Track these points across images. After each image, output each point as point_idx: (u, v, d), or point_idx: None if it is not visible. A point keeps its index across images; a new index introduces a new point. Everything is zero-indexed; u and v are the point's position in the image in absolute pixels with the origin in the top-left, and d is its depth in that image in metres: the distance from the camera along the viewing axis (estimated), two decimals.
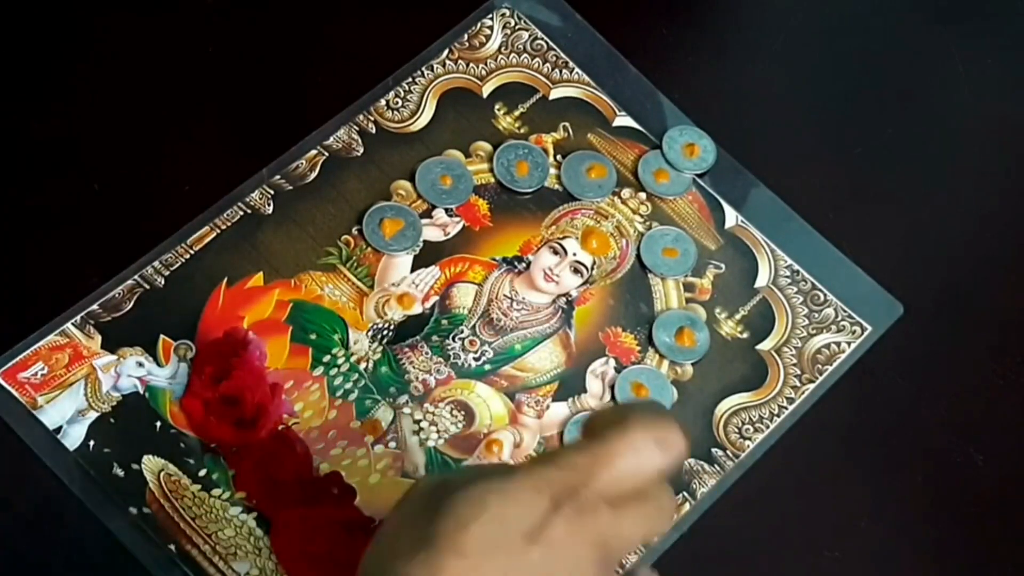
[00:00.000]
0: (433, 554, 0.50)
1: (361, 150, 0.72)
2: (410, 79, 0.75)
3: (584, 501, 0.52)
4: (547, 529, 0.51)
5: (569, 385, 0.68)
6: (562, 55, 0.76)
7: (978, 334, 0.72)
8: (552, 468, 0.52)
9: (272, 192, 0.71)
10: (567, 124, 0.75)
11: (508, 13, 0.77)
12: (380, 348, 0.68)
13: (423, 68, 0.75)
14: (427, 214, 0.71)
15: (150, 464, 0.64)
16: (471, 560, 0.50)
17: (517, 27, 0.77)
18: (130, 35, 0.76)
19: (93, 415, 0.64)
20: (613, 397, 0.67)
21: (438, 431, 0.66)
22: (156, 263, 0.68)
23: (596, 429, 0.54)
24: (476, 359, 0.68)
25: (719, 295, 0.71)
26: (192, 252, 0.69)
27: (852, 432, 0.69)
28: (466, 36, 0.76)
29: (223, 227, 0.70)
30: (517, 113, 0.74)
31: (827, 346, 0.70)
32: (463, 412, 0.67)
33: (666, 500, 0.54)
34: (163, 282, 0.68)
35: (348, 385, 0.67)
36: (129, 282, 0.68)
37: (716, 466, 0.67)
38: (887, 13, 0.81)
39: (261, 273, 0.69)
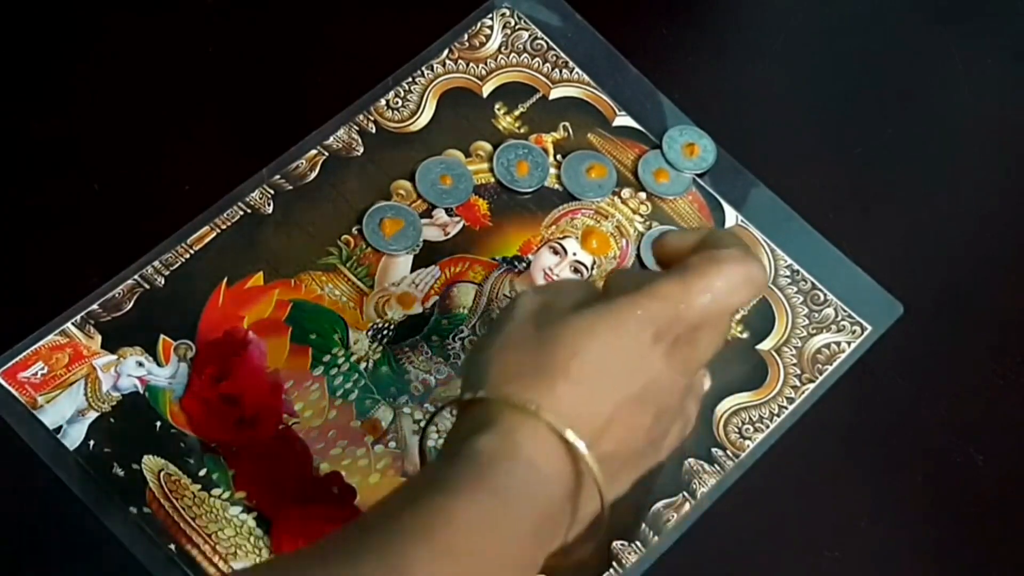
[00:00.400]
0: (546, 380, 0.51)
1: (361, 150, 0.72)
2: (410, 79, 0.75)
3: (681, 332, 0.54)
4: (650, 360, 0.53)
5: None
6: (562, 55, 0.76)
7: (978, 334, 0.72)
8: (651, 299, 0.53)
9: (272, 192, 0.71)
10: (567, 124, 0.75)
11: (508, 13, 0.77)
12: (380, 348, 0.68)
13: (423, 68, 0.75)
14: (427, 214, 0.71)
15: (150, 464, 0.64)
16: (583, 387, 0.51)
17: (517, 27, 0.77)
18: (130, 35, 0.76)
19: (93, 415, 0.64)
20: None
21: (438, 431, 0.66)
22: (156, 263, 0.68)
23: (678, 253, 0.56)
24: None
25: None
26: (192, 252, 0.69)
27: (852, 432, 0.69)
28: (466, 36, 0.76)
29: (223, 227, 0.70)
30: (517, 113, 0.74)
31: (827, 346, 0.70)
32: None
33: (726, 326, 0.57)
34: (163, 282, 0.68)
35: (348, 385, 0.67)
36: (129, 282, 0.68)
37: (716, 466, 0.67)
38: (887, 13, 0.81)
39: (261, 273, 0.69)
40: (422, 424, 0.66)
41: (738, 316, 0.70)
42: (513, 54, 0.76)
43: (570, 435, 0.51)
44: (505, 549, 0.49)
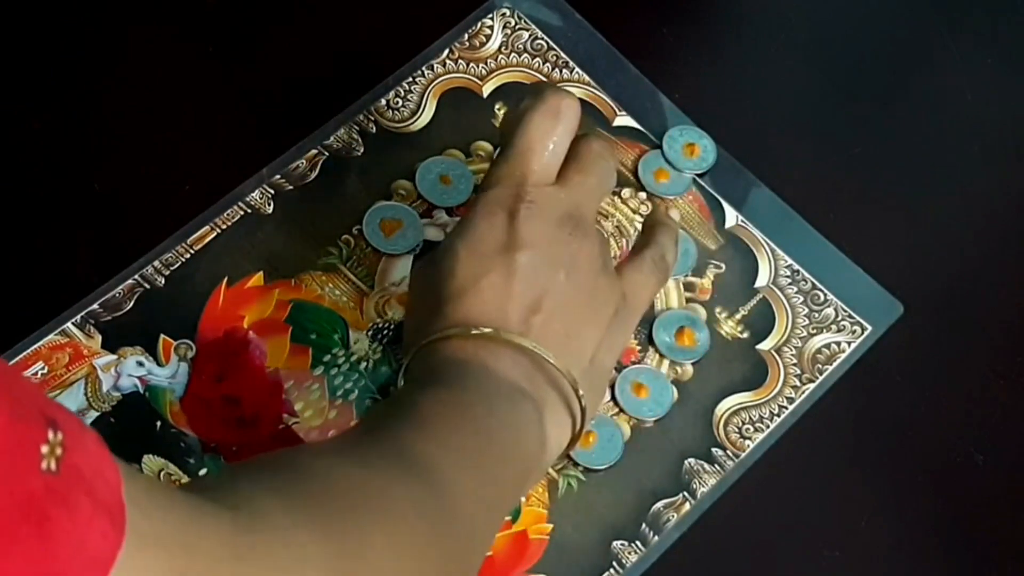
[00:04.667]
0: (445, 314, 0.57)
1: (361, 150, 0.72)
2: (410, 79, 0.75)
3: (532, 196, 0.58)
4: (516, 234, 0.58)
5: None
6: (562, 55, 0.76)
7: (978, 334, 0.72)
8: (489, 191, 0.59)
9: (272, 192, 0.71)
10: None
11: (508, 13, 0.77)
12: (380, 348, 0.68)
13: (423, 68, 0.75)
14: (427, 214, 0.71)
15: (150, 464, 0.64)
16: (472, 298, 0.57)
17: (517, 27, 0.77)
18: (130, 35, 0.76)
19: (93, 415, 0.64)
20: (613, 397, 0.67)
21: None
22: (156, 263, 0.68)
23: (505, 137, 0.61)
24: None
25: (719, 295, 0.71)
26: (192, 252, 0.69)
27: (852, 432, 0.69)
28: (466, 36, 0.76)
29: (223, 227, 0.70)
30: None
31: (827, 346, 0.70)
32: None
33: (602, 158, 0.62)
34: (163, 282, 0.68)
35: (348, 385, 0.67)
36: (129, 282, 0.68)
37: (716, 466, 0.67)
38: (887, 13, 0.81)
39: (261, 273, 0.69)
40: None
41: (738, 316, 0.70)
42: (513, 54, 0.76)
43: (475, 331, 0.57)
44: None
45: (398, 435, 0.53)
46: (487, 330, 0.57)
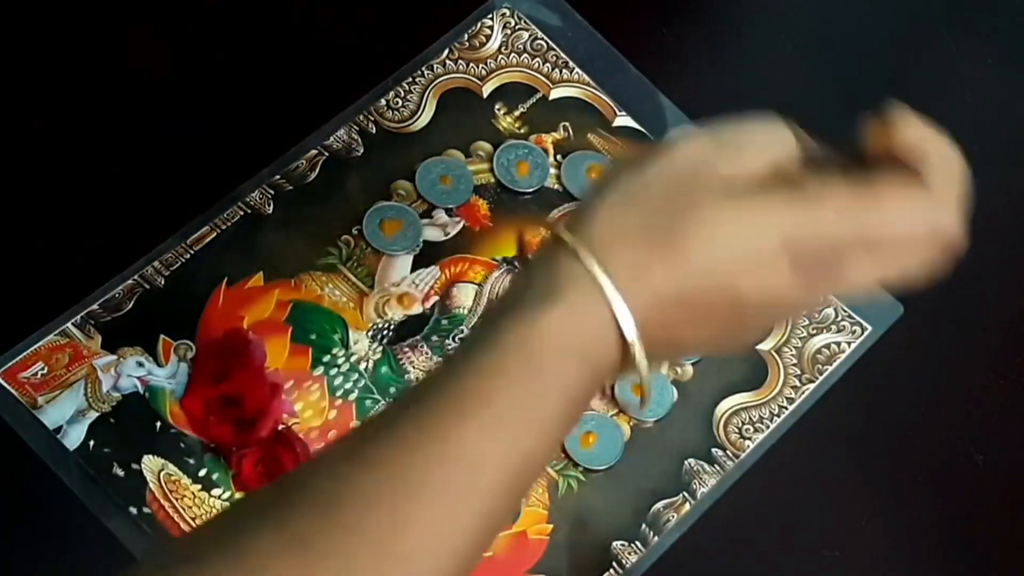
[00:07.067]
0: (680, 264, 0.46)
1: (361, 150, 0.72)
2: (410, 79, 0.75)
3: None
4: (779, 287, 0.47)
5: None
6: (562, 55, 0.76)
7: (978, 334, 0.72)
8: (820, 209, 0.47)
9: (272, 192, 0.71)
10: (567, 124, 0.75)
11: (508, 13, 0.77)
12: (380, 348, 0.68)
13: (423, 68, 0.75)
14: (427, 214, 0.71)
15: (150, 464, 0.64)
16: (717, 278, 0.46)
17: (517, 27, 0.77)
18: (131, 35, 0.76)
19: (93, 415, 0.64)
20: (613, 397, 0.67)
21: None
22: (156, 263, 0.68)
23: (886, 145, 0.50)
24: None
25: None
26: (192, 252, 0.69)
27: (852, 432, 0.69)
28: (466, 36, 0.76)
29: (223, 227, 0.70)
30: (517, 113, 0.74)
31: (827, 346, 0.70)
32: None
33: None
34: (163, 282, 0.68)
35: (348, 385, 0.67)
36: (129, 282, 0.68)
37: (716, 466, 0.67)
38: (887, 14, 0.81)
39: (261, 273, 0.69)
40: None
41: None
42: (513, 54, 0.76)
43: (629, 334, 0.46)
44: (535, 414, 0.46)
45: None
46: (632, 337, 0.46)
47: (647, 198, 0.47)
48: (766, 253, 0.46)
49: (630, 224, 0.46)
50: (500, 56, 0.76)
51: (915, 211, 0.47)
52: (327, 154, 0.72)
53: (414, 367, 0.68)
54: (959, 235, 0.47)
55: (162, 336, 0.67)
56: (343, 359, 0.67)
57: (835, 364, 0.69)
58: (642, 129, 0.75)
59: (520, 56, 0.76)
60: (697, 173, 0.47)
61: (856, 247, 0.47)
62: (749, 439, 0.67)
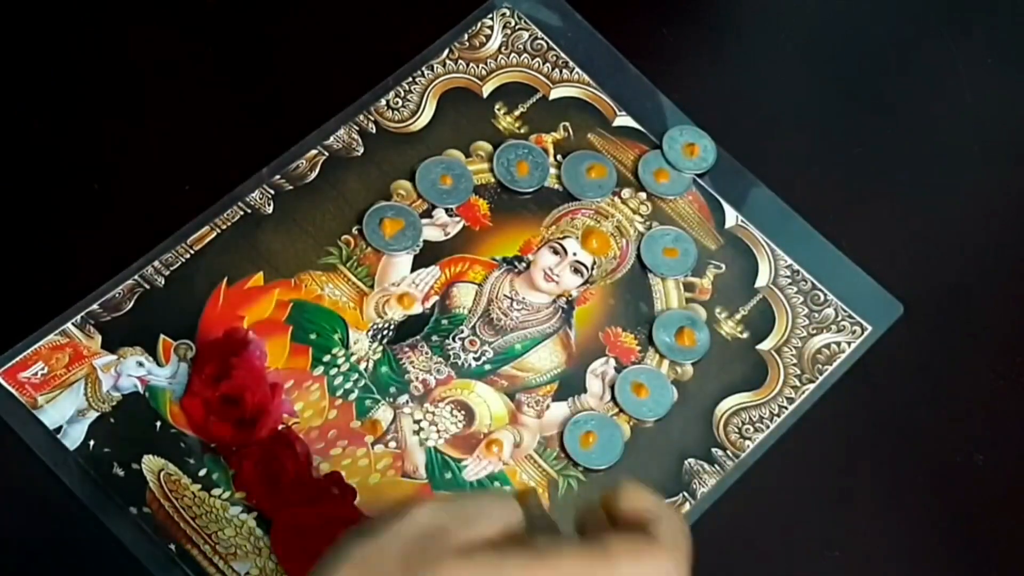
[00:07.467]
0: None
1: (361, 150, 0.72)
2: (410, 79, 0.75)
3: None
4: None
5: (569, 385, 0.68)
6: (562, 55, 0.76)
7: (978, 334, 0.72)
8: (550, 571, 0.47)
9: (272, 192, 0.71)
10: (567, 124, 0.75)
11: (508, 13, 0.77)
12: (380, 348, 0.68)
13: (423, 68, 0.75)
14: (427, 214, 0.71)
15: (150, 464, 0.64)
16: None
17: (517, 27, 0.77)
18: (131, 35, 0.76)
19: (93, 415, 0.64)
20: (613, 397, 0.67)
21: (438, 431, 0.66)
22: (156, 263, 0.68)
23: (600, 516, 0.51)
24: (476, 359, 0.68)
25: (719, 295, 0.71)
26: (192, 252, 0.69)
27: (852, 432, 0.69)
28: (466, 36, 0.76)
29: (223, 227, 0.70)
30: (517, 113, 0.74)
31: (827, 346, 0.70)
32: (463, 412, 0.67)
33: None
34: (163, 282, 0.68)
35: (348, 385, 0.67)
36: (129, 282, 0.68)
37: (716, 466, 0.67)
38: (887, 13, 0.81)
39: (261, 273, 0.69)
40: (422, 424, 0.66)
41: (738, 316, 0.70)
42: (513, 54, 0.76)
43: None
44: None
45: None
46: None
47: (380, 562, 0.47)
48: None
49: None
50: (500, 56, 0.76)
51: (647, 565, 0.48)
52: (327, 154, 0.72)
53: (414, 367, 0.68)
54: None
55: (162, 336, 0.67)
56: (343, 359, 0.67)
57: (835, 364, 0.69)
58: (642, 129, 0.75)
59: (520, 56, 0.76)
60: (432, 537, 0.47)
61: None
62: (749, 439, 0.67)
